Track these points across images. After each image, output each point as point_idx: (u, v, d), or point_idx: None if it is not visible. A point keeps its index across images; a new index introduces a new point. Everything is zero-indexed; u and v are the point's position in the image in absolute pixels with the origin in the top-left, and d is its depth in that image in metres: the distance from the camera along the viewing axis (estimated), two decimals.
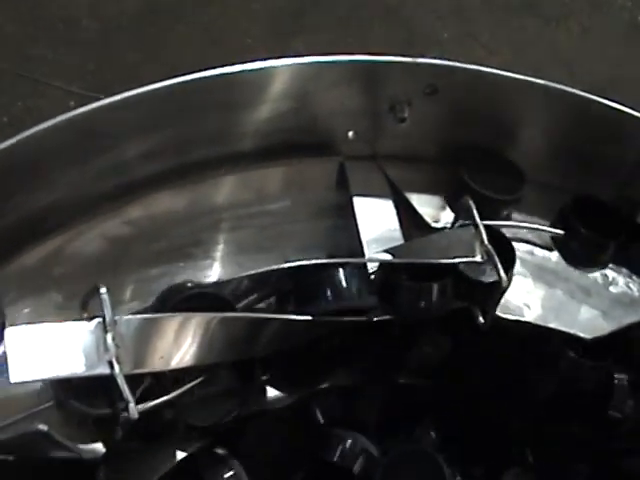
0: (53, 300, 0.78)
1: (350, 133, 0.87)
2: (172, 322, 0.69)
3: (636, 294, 0.89)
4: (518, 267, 0.84)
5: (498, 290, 0.79)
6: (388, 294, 0.77)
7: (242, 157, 0.86)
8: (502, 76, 0.86)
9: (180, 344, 0.70)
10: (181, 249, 0.84)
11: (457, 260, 0.77)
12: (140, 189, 0.83)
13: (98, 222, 0.82)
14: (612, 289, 0.88)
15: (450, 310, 0.80)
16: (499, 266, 0.77)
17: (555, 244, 0.89)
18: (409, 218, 0.86)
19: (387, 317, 0.78)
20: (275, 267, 0.74)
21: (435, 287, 0.77)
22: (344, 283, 0.76)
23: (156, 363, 0.69)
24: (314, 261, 0.76)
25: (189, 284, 0.80)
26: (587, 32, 2.33)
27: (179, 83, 0.78)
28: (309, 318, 0.74)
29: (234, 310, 0.74)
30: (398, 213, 0.86)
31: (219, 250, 0.85)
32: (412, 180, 0.88)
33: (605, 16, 2.38)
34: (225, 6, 2.26)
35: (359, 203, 0.86)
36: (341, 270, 0.76)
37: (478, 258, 0.78)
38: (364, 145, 0.89)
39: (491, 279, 0.78)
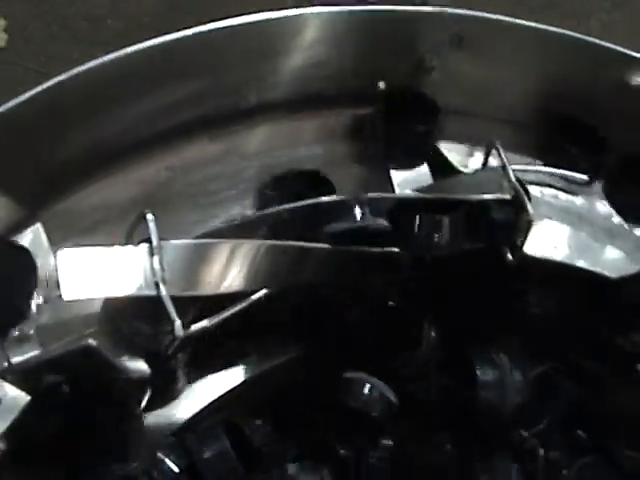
0: (97, 241, 0.80)
1: (381, 83, 0.89)
2: (218, 248, 0.71)
3: None
4: (544, 209, 0.86)
5: (525, 227, 0.81)
6: (403, 227, 0.79)
7: (275, 106, 0.88)
8: (530, 27, 0.88)
9: (226, 270, 0.72)
10: (215, 196, 0.85)
11: (485, 197, 0.79)
12: (176, 136, 0.85)
13: (135, 169, 0.83)
14: (637, 232, 0.90)
15: (475, 248, 0.82)
16: (527, 203, 0.79)
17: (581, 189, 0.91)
18: (438, 164, 0.89)
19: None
20: (311, 201, 0.77)
21: (447, 220, 0.79)
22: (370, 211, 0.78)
23: (203, 287, 0.71)
24: (346, 197, 0.78)
25: None
26: (608, 29, 2.34)
27: (214, 30, 0.80)
28: (351, 248, 0.76)
29: None
30: (428, 160, 0.89)
31: (252, 197, 0.86)
32: (441, 129, 0.90)
33: (626, 13, 2.39)
34: (244, 5, 2.28)
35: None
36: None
37: (507, 196, 0.80)
38: None
39: (518, 217, 0.80)
